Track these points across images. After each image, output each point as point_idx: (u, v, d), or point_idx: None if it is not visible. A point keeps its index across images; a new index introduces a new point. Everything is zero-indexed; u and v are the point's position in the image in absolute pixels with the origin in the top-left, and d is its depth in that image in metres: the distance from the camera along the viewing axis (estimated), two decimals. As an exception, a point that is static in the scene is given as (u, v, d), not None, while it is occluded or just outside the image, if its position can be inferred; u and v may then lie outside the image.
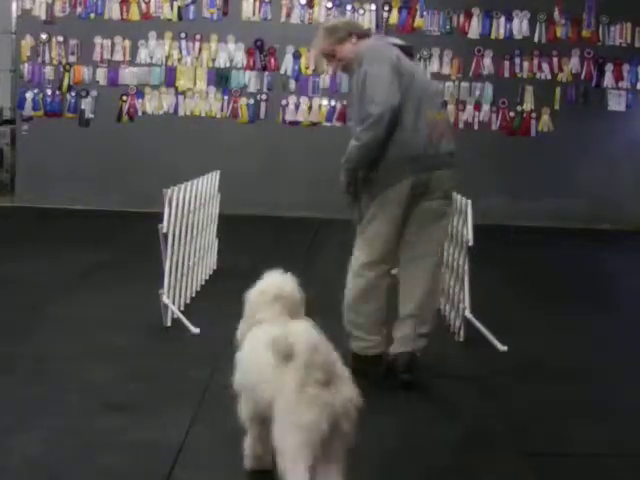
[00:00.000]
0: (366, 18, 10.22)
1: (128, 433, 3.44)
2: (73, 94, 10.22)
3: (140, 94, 10.24)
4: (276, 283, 2.99)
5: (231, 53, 10.23)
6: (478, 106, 10.33)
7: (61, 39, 10.14)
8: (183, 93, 10.25)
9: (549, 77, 10.34)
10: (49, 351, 4.50)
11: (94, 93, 10.23)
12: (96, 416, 3.62)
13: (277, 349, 2.56)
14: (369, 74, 3.90)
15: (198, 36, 10.15)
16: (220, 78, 10.23)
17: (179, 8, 10.17)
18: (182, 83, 10.24)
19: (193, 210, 5.58)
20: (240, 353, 2.91)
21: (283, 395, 2.51)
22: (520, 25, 10.28)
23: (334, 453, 2.56)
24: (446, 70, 10.29)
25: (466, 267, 5.01)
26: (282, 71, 10.25)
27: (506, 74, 10.32)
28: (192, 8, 10.16)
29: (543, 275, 7.33)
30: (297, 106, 10.24)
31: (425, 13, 10.24)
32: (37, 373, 4.13)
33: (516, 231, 9.71)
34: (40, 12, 10.12)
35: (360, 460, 3.29)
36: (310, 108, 10.23)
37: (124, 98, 10.21)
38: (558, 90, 10.34)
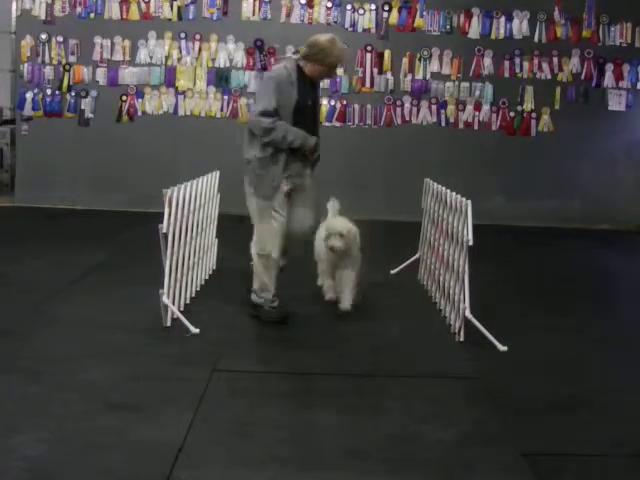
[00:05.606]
0: (366, 18, 10.22)
1: (128, 433, 3.44)
2: (73, 94, 10.21)
3: (140, 94, 10.24)
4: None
5: (231, 53, 10.22)
6: (478, 106, 10.33)
7: (61, 39, 10.13)
8: (183, 93, 10.25)
9: (549, 77, 10.34)
10: (49, 351, 4.51)
11: (94, 93, 10.23)
12: (96, 416, 3.62)
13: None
14: None
15: (198, 36, 10.15)
16: (220, 78, 10.24)
17: (179, 8, 10.17)
18: (182, 83, 10.24)
19: (193, 210, 5.58)
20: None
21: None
22: (520, 25, 10.28)
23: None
24: (446, 70, 10.29)
25: (466, 267, 5.02)
26: (282, 71, 10.24)
27: (506, 74, 10.32)
28: (192, 8, 10.16)
29: (543, 275, 7.34)
30: (297, 106, 10.22)
31: (425, 13, 10.24)
32: (37, 373, 4.13)
33: (516, 231, 9.70)
34: (40, 12, 10.12)
35: (362, 461, 3.30)
36: (310, 108, 10.22)
37: (124, 98, 10.21)
38: (558, 90, 10.35)
